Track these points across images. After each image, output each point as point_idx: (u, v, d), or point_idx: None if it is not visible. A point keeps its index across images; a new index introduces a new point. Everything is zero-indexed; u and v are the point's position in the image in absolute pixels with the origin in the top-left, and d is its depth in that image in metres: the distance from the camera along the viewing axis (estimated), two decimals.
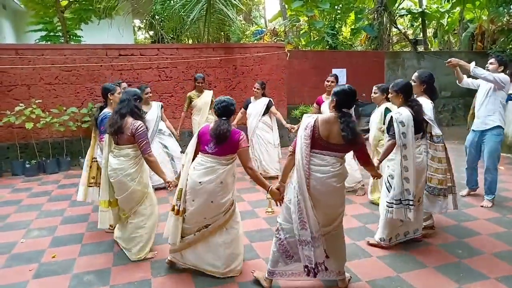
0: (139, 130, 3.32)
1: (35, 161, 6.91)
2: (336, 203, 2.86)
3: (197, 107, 6.18)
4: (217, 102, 3.14)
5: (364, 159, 2.93)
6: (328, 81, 5.39)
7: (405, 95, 3.45)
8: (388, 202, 3.45)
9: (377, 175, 3.22)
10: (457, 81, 4.75)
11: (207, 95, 6.25)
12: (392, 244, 3.60)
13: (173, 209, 3.14)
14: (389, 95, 3.65)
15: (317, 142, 2.77)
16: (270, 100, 6.06)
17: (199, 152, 3.15)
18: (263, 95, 6.10)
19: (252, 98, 6.18)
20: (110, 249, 3.78)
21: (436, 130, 3.69)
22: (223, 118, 3.08)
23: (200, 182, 3.01)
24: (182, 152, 5.63)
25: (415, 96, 3.84)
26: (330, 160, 2.77)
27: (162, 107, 5.78)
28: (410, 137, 3.29)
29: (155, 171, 3.42)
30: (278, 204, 3.06)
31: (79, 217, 4.69)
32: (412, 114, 3.32)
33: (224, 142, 3.01)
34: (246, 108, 6.14)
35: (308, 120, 2.82)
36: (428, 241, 3.77)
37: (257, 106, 6.03)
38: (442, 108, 11.06)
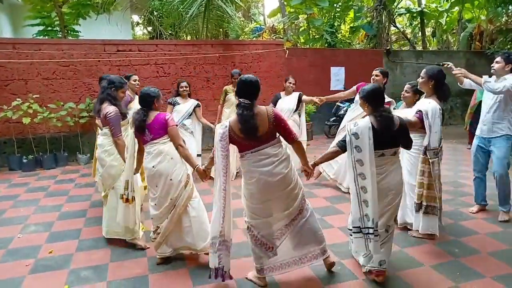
0: (109, 115, 3.62)
1: (32, 156, 6.89)
2: (289, 186, 2.85)
3: (231, 101, 6.21)
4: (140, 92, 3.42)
5: (287, 136, 2.84)
6: (290, 83, 5.71)
7: (372, 103, 2.89)
8: (348, 229, 3.07)
9: (307, 167, 3.01)
10: (458, 83, 4.25)
11: None
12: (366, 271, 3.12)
13: (121, 198, 3.47)
14: (359, 102, 3.21)
15: (242, 143, 2.80)
16: (300, 92, 5.92)
17: (144, 145, 3.33)
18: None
19: (282, 94, 5.97)
20: (107, 245, 3.77)
21: (425, 141, 3.48)
22: (141, 108, 3.31)
23: (153, 166, 3.21)
24: (199, 155, 5.68)
25: (424, 96, 3.72)
26: (268, 151, 2.77)
27: (199, 106, 5.81)
28: (367, 152, 2.74)
29: (120, 153, 3.69)
30: (204, 181, 3.33)
31: (76, 212, 4.68)
32: (373, 127, 2.78)
33: (153, 127, 3.20)
34: (275, 104, 5.87)
35: (221, 130, 2.78)
36: (425, 240, 3.78)
37: (288, 101, 5.81)
38: None
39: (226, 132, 2.76)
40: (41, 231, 4.15)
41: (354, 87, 5.24)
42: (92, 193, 5.39)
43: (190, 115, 5.67)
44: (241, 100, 2.78)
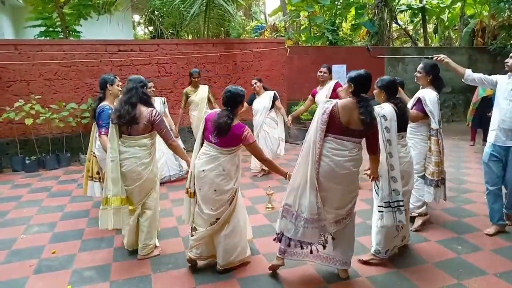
0: (157, 118, 3.32)
1: (34, 157, 6.91)
2: (351, 187, 2.95)
3: (194, 102, 6.14)
4: (224, 90, 3.17)
5: (373, 147, 2.98)
6: (321, 72, 5.48)
7: (388, 92, 3.21)
8: (378, 206, 3.17)
9: (374, 173, 3.13)
10: (462, 79, 3.88)
11: (203, 90, 6.21)
12: (388, 256, 3.31)
13: (187, 192, 3.20)
14: (374, 91, 3.36)
15: (337, 127, 2.83)
16: (274, 92, 6.01)
17: (204, 140, 3.17)
18: (264, 88, 6.04)
19: (255, 94, 6.11)
20: (110, 245, 3.78)
21: (433, 124, 3.68)
22: (227, 108, 3.08)
23: (203, 170, 3.04)
24: (184, 148, 5.65)
25: (421, 87, 3.89)
26: (348, 145, 2.85)
27: (165, 102, 5.76)
28: (394, 132, 3.04)
29: (180, 155, 3.53)
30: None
31: (79, 213, 4.70)
32: (396, 111, 3.09)
33: (225, 135, 3.00)
34: (250, 104, 6.00)
35: (326, 105, 2.85)
36: (428, 237, 3.78)
37: (263, 100, 5.93)
38: (442, 104, 11.04)
39: (330, 108, 2.81)
40: (44, 231, 4.16)
41: (310, 96, 5.68)
42: None
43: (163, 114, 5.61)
44: (362, 95, 2.86)
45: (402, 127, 3.20)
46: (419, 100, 3.72)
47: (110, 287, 3.05)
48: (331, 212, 2.95)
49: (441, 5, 13.08)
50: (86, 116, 7.11)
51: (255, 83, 5.99)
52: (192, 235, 3.19)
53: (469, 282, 2.99)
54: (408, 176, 3.26)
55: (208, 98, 6.20)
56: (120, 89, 3.95)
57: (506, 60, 3.60)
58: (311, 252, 3.00)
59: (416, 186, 3.87)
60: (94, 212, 4.68)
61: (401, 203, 3.04)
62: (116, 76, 4.05)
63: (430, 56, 3.83)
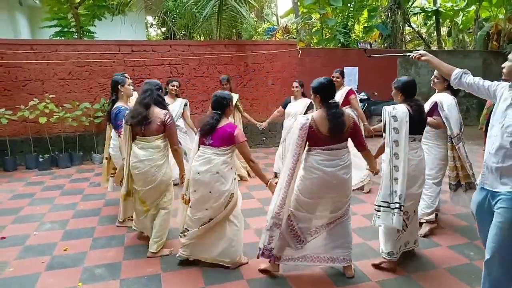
0: (170, 121, 3.38)
1: (48, 155, 7.01)
2: (345, 192, 3.00)
3: None
4: (212, 95, 3.26)
5: (359, 144, 3.03)
6: (333, 77, 5.42)
7: (406, 93, 3.19)
8: (376, 205, 3.13)
9: (373, 167, 3.19)
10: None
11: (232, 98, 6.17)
12: (395, 259, 3.22)
13: (182, 198, 3.32)
14: (392, 92, 3.37)
15: (320, 139, 2.87)
16: (311, 101, 5.88)
17: (200, 144, 3.25)
18: (303, 95, 5.87)
19: (291, 98, 5.91)
20: (121, 243, 3.82)
21: (448, 131, 3.62)
22: (216, 111, 3.18)
23: (198, 173, 3.12)
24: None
25: (437, 92, 3.85)
26: (338, 153, 2.91)
27: (187, 104, 5.79)
28: (404, 135, 3.00)
29: (178, 162, 3.55)
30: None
31: (91, 211, 4.75)
32: (410, 113, 3.04)
33: (212, 133, 3.11)
34: (284, 107, 5.86)
35: (302, 121, 2.89)
36: (439, 242, 3.73)
37: (297, 106, 5.76)
38: None
39: (307, 124, 2.85)
40: (56, 229, 4.22)
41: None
42: (106, 192, 5.44)
43: (181, 115, 5.63)
44: (330, 102, 2.91)
45: (416, 130, 3.13)
46: (435, 106, 3.64)
47: (120, 285, 3.08)
48: (325, 217, 3.04)
49: (456, 8, 12.95)
50: (99, 115, 7.20)
51: (296, 86, 5.80)
52: (184, 235, 3.27)
53: None
54: (414, 180, 3.14)
55: (237, 107, 5.92)
56: (132, 87, 4.04)
57: (502, 65, 2.42)
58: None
59: (429, 193, 3.82)
60: (105, 210, 4.73)
61: (397, 205, 2.99)
62: (126, 75, 4.11)
63: (408, 54, 3.14)
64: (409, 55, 2.99)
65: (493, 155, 2.32)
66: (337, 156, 2.90)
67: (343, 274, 3.14)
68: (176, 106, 5.56)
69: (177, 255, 3.37)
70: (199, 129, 3.23)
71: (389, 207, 3.04)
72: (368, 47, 4.07)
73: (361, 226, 4.10)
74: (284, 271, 3.20)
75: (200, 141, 3.24)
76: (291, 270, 3.20)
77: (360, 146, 3.04)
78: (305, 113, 5.80)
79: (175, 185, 5.38)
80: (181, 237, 3.32)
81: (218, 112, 3.17)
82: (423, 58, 2.81)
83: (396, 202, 2.99)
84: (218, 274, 3.19)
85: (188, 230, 3.25)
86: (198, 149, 3.25)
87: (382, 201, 3.07)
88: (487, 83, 2.50)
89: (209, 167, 3.09)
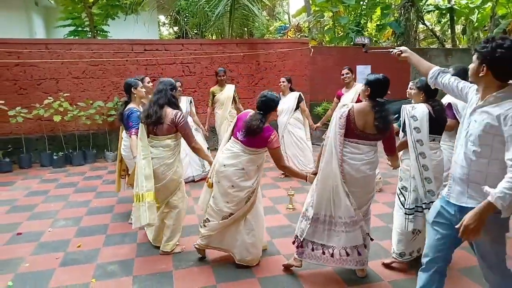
0: (181, 120, 3.39)
1: (62, 153, 7.12)
2: (367, 189, 2.96)
3: (220, 101, 6.15)
4: (260, 95, 3.22)
5: (390, 148, 2.97)
6: (342, 74, 5.42)
7: (427, 94, 3.11)
8: (409, 209, 3.04)
9: (395, 165, 3.12)
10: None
11: (229, 89, 6.20)
12: (405, 260, 3.21)
13: (207, 181, 3.34)
14: (412, 91, 3.31)
15: (352, 131, 2.82)
16: (300, 94, 5.96)
17: (232, 137, 3.25)
18: (291, 89, 5.99)
19: (280, 95, 5.93)
20: (133, 240, 3.86)
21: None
22: (259, 112, 3.13)
23: (224, 165, 3.13)
24: (208, 148, 5.70)
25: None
26: (364, 149, 2.86)
27: (191, 102, 5.83)
28: (426, 133, 2.96)
29: (203, 157, 3.67)
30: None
31: (104, 208, 4.80)
32: (430, 113, 2.99)
33: (253, 136, 3.07)
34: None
35: (342, 109, 2.86)
36: None
37: (287, 101, 5.88)
38: None
39: (346, 112, 2.81)
40: (70, 225, 4.28)
41: (335, 98, 5.59)
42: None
43: (188, 113, 5.65)
44: (378, 99, 2.83)
45: (436, 131, 3.08)
46: (449, 106, 3.47)
47: (132, 281, 3.11)
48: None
49: (471, 5, 12.72)
50: (112, 114, 7.27)
51: (283, 81, 5.94)
52: (204, 226, 3.27)
53: None
54: (441, 182, 3.13)
55: (233, 98, 6.17)
56: (145, 90, 4.11)
57: (468, 66, 2.16)
58: (332, 255, 2.95)
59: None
60: (118, 208, 4.78)
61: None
62: (146, 77, 4.16)
63: (390, 50, 2.89)
64: (391, 51, 2.80)
65: (459, 166, 2.13)
66: (363, 152, 2.86)
67: (355, 273, 3.12)
68: (182, 105, 5.55)
69: (195, 243, 3.37)
70: (244, 125, 3.10)
71: (422, 212, 3.00)
72: (366, 42, 3.96)
73: (372, 226, 4.04)
74: (295, 270, 3.19)
75: (233, 133, 3.24)
76: (302, 269, 3.18)
77: (390, 151, 2.99)
78: (297, 106, 5.89)
79: (186, 183, 5.47)
80: (201, 227, 3.31)
81: (262, 113, 3.12)
82: (403, 54, 2.62)
83: (431, 202, 2.89)
84: (229, 272, 3.20)
85: (209, 221, 3.25)
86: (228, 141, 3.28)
87: (417, 206, 3.03)
88: (461, 84, 2.29)
89: (235, 162, 3.10)
